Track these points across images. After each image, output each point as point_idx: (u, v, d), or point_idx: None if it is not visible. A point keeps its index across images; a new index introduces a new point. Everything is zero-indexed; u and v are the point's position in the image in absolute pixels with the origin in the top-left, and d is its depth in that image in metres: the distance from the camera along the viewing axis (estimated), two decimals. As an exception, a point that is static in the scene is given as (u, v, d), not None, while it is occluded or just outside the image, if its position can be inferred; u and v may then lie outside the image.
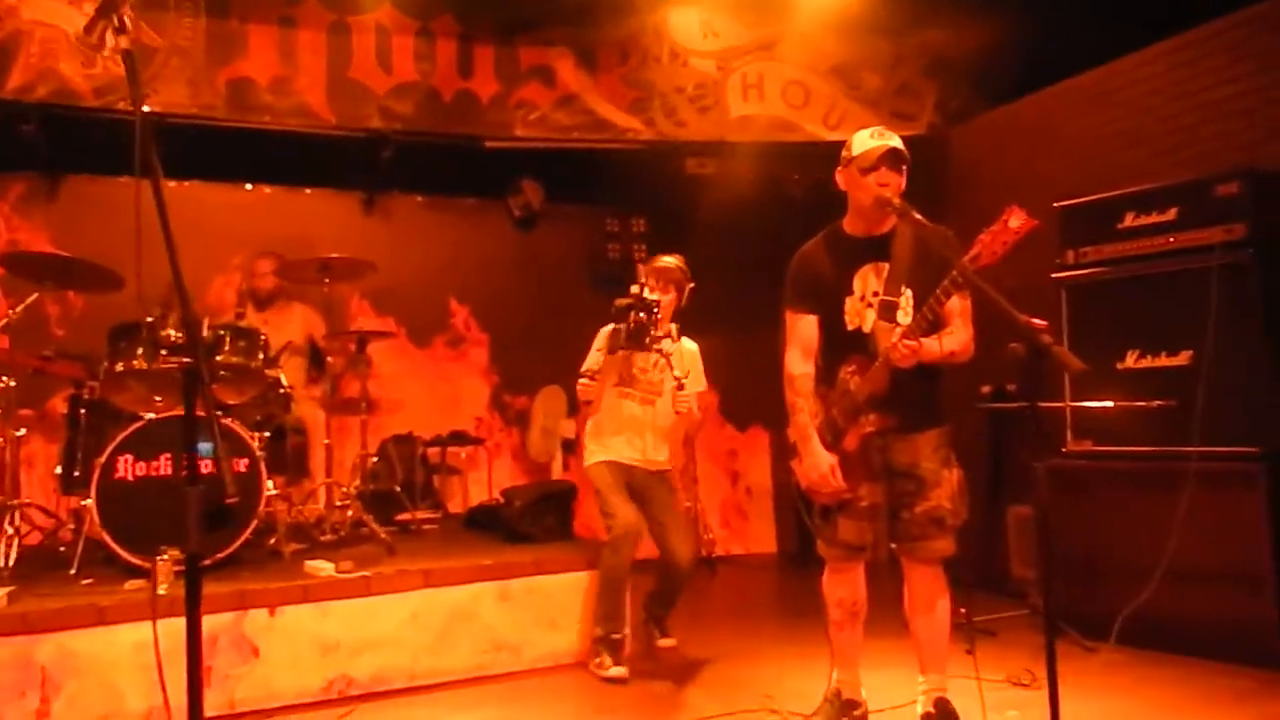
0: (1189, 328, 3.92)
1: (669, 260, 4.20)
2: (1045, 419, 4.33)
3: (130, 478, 3.74)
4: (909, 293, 2.86)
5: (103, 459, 3.71)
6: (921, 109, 6.05)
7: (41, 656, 3.23)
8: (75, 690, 3.26)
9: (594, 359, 4.12)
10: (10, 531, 3.89)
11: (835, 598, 3.06)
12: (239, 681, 3.50)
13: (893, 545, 2.97)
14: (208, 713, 1.96)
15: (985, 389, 4.71)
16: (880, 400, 2.85)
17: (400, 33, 5.58)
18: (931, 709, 2.96)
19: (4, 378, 4.16)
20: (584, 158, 6.03)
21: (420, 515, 5.46)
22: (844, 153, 2.95)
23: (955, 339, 2.84)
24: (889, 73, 6.04)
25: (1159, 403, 4.02)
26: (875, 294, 2.90)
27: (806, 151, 5.85)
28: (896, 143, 2.87)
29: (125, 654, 3.30)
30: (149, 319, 3.78)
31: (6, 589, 3.41)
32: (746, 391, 6.73)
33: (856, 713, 3.10)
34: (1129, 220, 4.24)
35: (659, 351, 4.00)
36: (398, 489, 5.48)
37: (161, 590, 3.39)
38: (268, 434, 4.42)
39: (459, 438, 6.32)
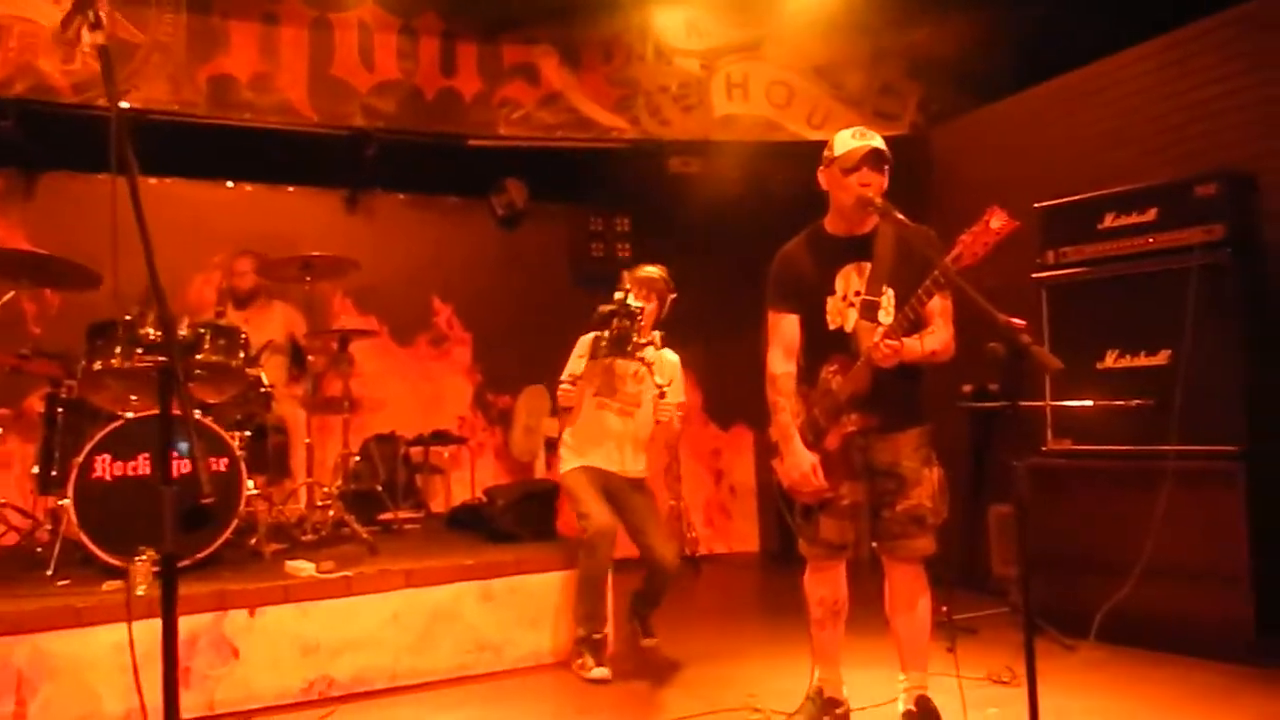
0: (1168, 328, 3.95)
1: (652, 270, 4.18)
2: (1026, 418, 4.36)
3: (108, 478, 3.71)
4: (891, 292, 2.87)
5: (80, 459, 3.68)
6: (904, 109, 6.07)
7: (17, 659, 3.19)
8: (52, 692, 3.22)
9: (575, 365, 4.11)
10: (-14, 532, 3.85)
11: (817, 596, 3.07)
12: (218, 682, 3.47)
13: (874, 544, 2.98)
14: (187, 714, 1.95)
15: (967, 388, 4.72)
16: (862, 400, 2.86)
17: (383, 30, 5.56)
18: (913, 707, 2.97)
19: (-20, 377, 4.13)
20: (568, 156, 6.02)
21: (402, 515, 5.44)
22: (826, 153, 2.95)
23: (936, 338, 2.85)
24: (872, 73, 6.06)
25: (1138, 402, 4.05)
26: (857, 293, 2.91)
27: (790, 151, 5.85)
28: (878, 143, 2.87)
29: (103, 656, 3.26)
30: (127, 317, 3.73)
31: (-18, 590, 3.38)
32: (729, 390, 6.75)
33: (838, 711, 3.11)
34: (1109, 221, 4.27)
35: (641, 360, 4.00)
36: (380, 488, 5.46)
37: (139, 591, 3.35)
38: (248, 433, 4.41)
39: (441, 437, 6.30)
